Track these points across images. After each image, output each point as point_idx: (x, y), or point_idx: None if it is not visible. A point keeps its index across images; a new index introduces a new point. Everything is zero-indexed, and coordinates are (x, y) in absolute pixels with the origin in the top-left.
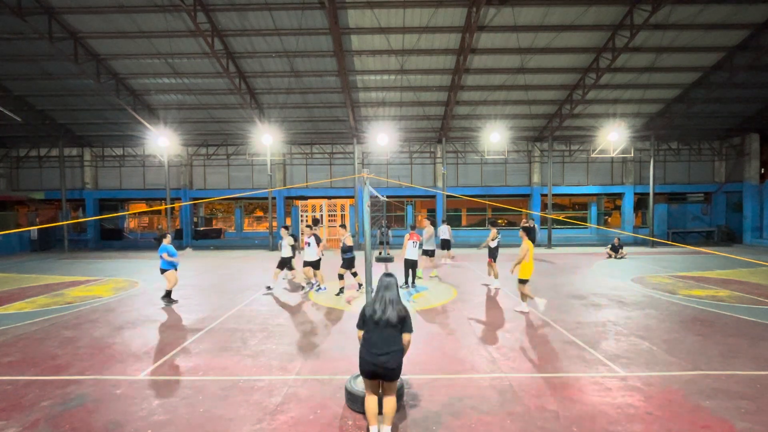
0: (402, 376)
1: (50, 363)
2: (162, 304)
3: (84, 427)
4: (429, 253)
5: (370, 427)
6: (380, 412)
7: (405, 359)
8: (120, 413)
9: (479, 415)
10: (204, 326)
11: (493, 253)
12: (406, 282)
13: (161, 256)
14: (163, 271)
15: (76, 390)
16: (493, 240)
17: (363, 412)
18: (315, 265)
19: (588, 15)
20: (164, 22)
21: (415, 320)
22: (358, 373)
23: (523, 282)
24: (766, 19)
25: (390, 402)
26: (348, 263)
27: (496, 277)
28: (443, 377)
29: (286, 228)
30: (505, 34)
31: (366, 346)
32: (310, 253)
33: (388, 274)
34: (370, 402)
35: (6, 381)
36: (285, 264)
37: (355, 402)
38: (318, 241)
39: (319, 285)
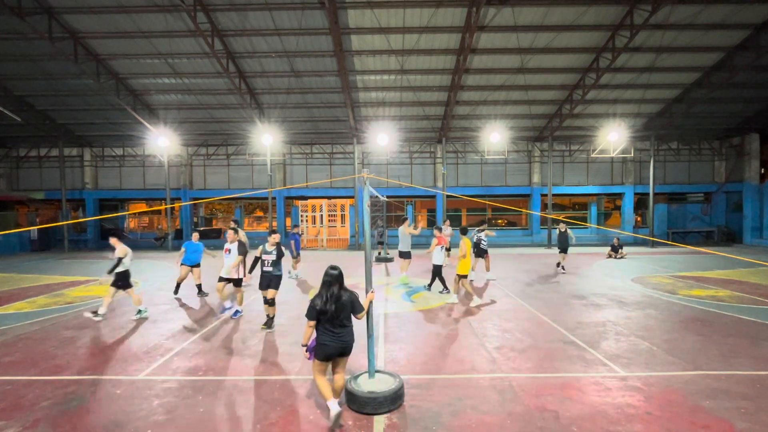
0: (402, 376)
1: (50, 363)
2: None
3: (84, 427)
4: (405, 255)
5: (329, 402)
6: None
7: (405, 359)
8: (120, 413)
9: (479, 415)
10: (204, 326)
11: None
12: (430, 286)
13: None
14: (197, 265)
15: (76, 390)
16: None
17: (362, 412)
18: (237, 282)
19: (588, 15)
20: (164, 22)
21: (416, 320)
22: (358, 373)
23: (463, 277)
24: (766, 19)
25: (341, 378)
26: (278, 282)
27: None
28: (443, 377)
29: (115, 234)
30: (505, 34)
31: (328, 333)
32: (228, 264)
33: (333, 267)
34: (323, 381)
35: (6, 381)
36: (120, 282)
37: (354, 402)
38: (243, 250)
39: (234, 307)
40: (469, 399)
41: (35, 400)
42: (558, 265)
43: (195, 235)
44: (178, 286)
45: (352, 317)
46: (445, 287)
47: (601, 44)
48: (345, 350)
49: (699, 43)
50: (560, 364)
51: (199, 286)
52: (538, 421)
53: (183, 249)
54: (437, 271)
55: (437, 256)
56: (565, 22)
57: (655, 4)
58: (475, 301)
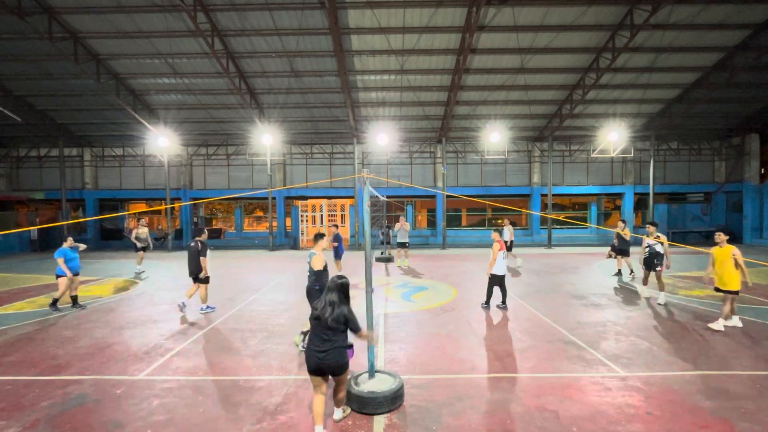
0: (402, 376)
1: (50, 363)
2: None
3: (84, 427)
4: (404, 245)
5: (316, 427)
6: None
7: (405, 359)
8: (120, 413)
9: (479, 415)
10: (204, 326)
11: (620, 250)
12: (488, 303)
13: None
14: (77, 273)
15: (76, 390)
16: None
17: (362, 412)
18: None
19: (588, 15)
20: (164, 22)
21: (416, 320)
22: (358, 373)
23: (734, 293)
24: (766, 19)
25: (341, 392)
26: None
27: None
28: (443, 377)
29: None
30: (505, 34)
31: (310, 342)
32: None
33: (340, 276)
34: (316, 402)
35: (6, 381)
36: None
37: (354, 402)
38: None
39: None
40: (469, 399)
41: (35, 400)
42: (620, 273)
43: (69, 241)
44: (55, 301)
45: (348, 334)
46: (489, 302)
47: (601, 44)
48: (321, 367)
49: (699, 43)
50: (560, 364)
51: (74, 298)
52: (538, 421)
53: (61, 258)
54: (499, 282)
55: (500, 264)
56: (565, 22)
57: (655, 4)
58: (719, 324)
